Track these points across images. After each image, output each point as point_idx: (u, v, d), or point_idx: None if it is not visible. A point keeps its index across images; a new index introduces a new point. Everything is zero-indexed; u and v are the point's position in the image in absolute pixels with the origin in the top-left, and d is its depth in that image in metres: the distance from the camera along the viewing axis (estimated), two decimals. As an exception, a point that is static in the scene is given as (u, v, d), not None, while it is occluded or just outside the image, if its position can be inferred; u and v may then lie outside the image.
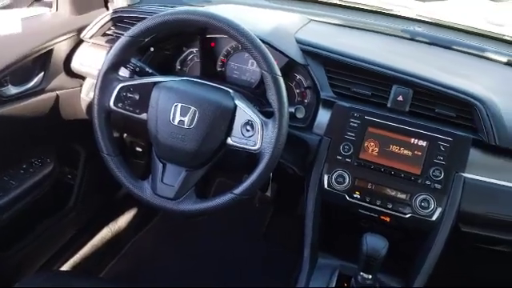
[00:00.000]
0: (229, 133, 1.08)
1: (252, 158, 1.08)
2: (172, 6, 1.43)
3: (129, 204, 2.02)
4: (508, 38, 1.53)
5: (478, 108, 1.13)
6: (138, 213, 2.02)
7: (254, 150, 1.06)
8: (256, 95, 1.25)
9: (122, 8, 1.51)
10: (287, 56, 1.24)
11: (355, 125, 1.18)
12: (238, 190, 1.06)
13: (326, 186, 1.18)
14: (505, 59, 1.42)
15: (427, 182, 1.12)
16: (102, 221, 1.94)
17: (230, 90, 1.12)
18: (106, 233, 1.92)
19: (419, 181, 1.13)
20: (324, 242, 1.27)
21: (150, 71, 1.25)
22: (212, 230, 2.01)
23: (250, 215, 1.98)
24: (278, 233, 2.01)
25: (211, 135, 1.07)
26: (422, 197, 1.12)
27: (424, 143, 1.14)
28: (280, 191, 1.82)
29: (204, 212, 1.10)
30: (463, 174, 1.12)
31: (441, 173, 1.12)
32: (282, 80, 1.05)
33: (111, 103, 1.14)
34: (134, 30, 1.10)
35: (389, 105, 1.20)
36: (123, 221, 1.98)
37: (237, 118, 1.08)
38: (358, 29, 1.53)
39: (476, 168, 1.13)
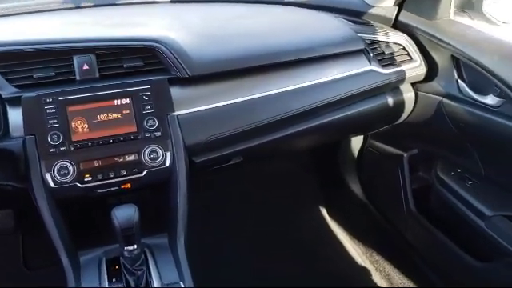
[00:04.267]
0: None
1: None
2: None
3: None
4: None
5: (159, 49, 1.17)
6: None
7: None
8: None
9: None
10: None
11: (53, 110, 1.08)
12: None
13: (52, 184, 1.07)
14: (168, -2, 1.51)
15: (147, 135, 1.13)
16: None
17: None
18: None
19: (139, 136, 1.12)
20: (81, 239, 1.18)
21: None
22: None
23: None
24: (38, 256, 1.81)
25: None
26: (148, 150, 1.12)
27: (127, 100, 1.13)
28: (19, 212, 1.62)
29: None
30: (174, 114, 1.16)
31: (154, 121, 1.13)
32: None
33: None
34: None
35: (78, 77, 1.14)
36: None
37: None
38: (15, 15, 1.38)
39: (183, 103, 1.19)
